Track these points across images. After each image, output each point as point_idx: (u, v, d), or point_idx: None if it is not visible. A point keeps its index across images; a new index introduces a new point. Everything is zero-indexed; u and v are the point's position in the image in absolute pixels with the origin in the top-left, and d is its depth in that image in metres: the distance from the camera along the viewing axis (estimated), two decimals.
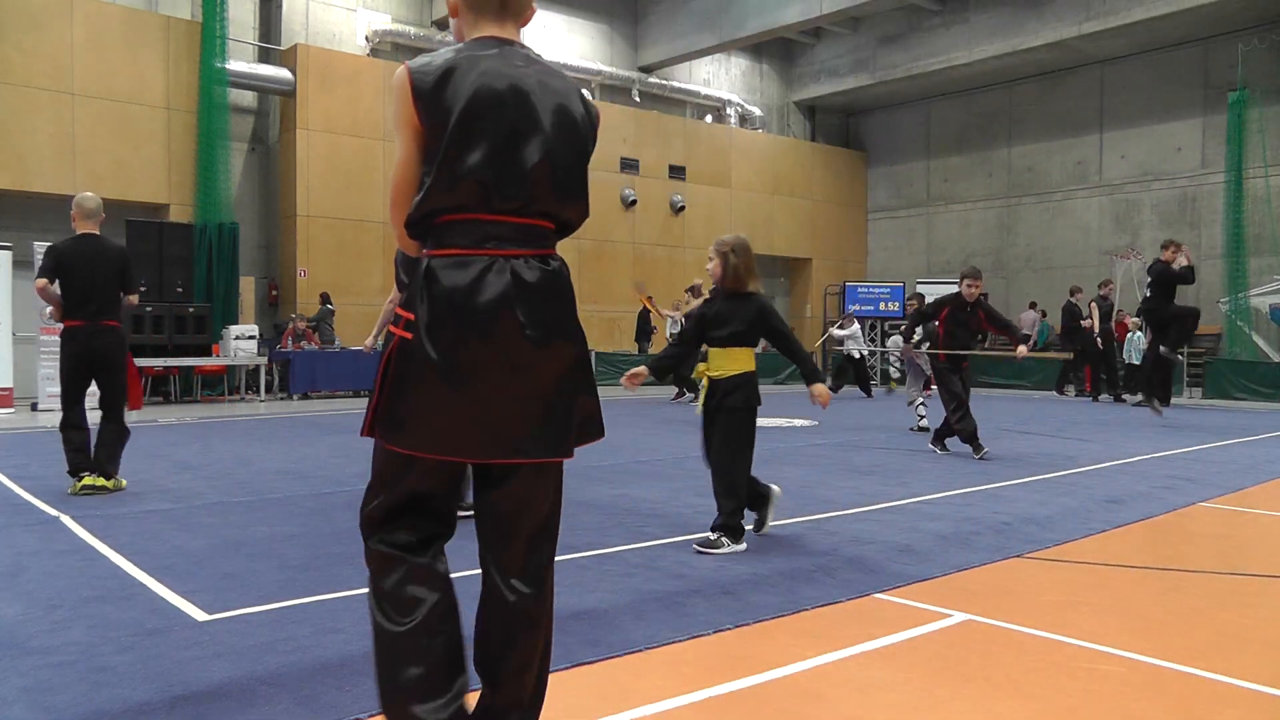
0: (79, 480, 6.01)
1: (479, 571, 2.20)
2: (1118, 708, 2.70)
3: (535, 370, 2.05)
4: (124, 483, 6.20)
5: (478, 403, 2.00)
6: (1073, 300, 16.65)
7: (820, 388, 4.76)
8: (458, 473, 2.14)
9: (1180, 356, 13.60)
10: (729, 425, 4.68)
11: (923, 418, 10.38)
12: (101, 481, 6.01)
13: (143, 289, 13.75)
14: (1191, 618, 3.61)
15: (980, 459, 7.98)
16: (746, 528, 4.75)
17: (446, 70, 2.01)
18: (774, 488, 4.97)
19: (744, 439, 4.71)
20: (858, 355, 16.90)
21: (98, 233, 6.15)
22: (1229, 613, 3.68)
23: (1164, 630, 3.44)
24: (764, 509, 4.93)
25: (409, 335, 2.02)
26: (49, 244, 6.37)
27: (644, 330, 18.91)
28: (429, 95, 2.00)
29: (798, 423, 11.34)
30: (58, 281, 6.08)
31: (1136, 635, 3.34)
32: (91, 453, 6.11)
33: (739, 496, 4.67)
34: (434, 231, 2.06)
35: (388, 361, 2.05)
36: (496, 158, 2.02)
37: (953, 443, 8.61)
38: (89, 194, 6.26)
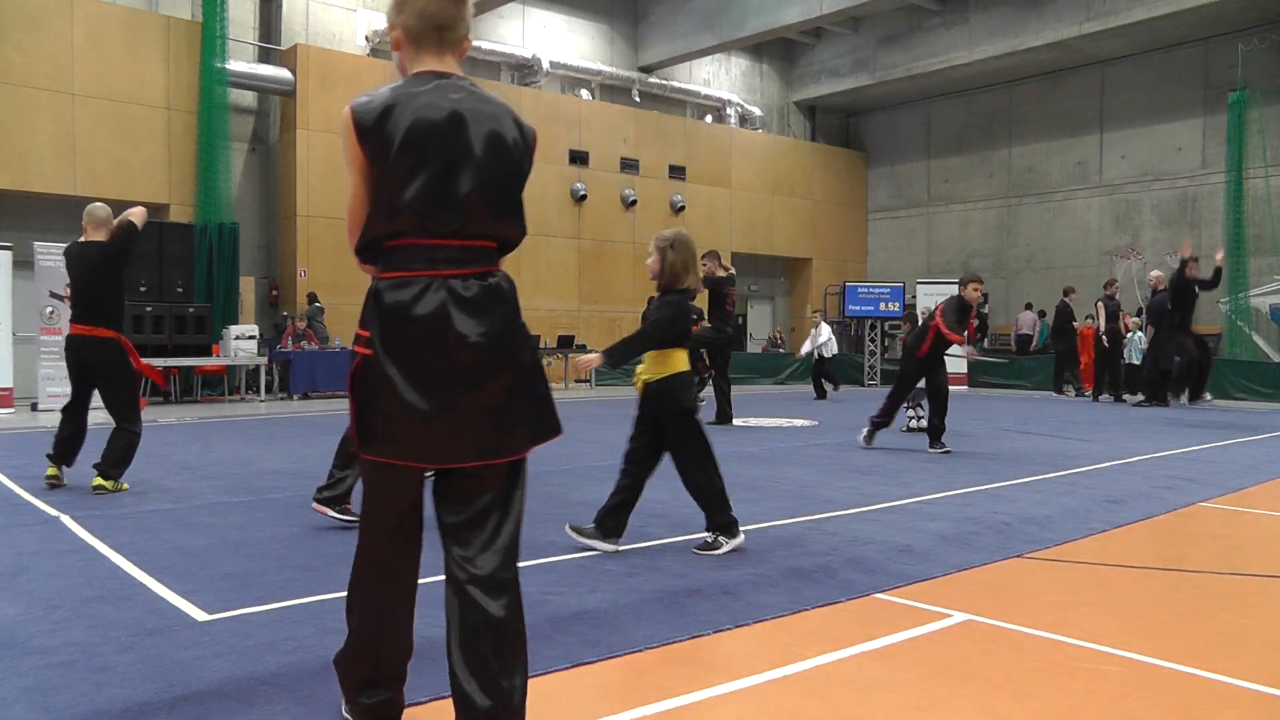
0: (49, 468, 6.28)
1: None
2: (1118, 708, 2.70)
3: (480, 379, 2.19)
4: (125, 485, 6.20)
5: (431, 411, 2.15)
6: (1066, 300, 16.68)
7: (585, 358, 4.57)
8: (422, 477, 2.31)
9: (1208, 396, 13.63)
10: (672, 438, 4.57)
11: (920, 418, 10.32)
12: (100, 481, 6.05)
13: (143, 289, 13.78)
14: (1192, 618, 3.61)
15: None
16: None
17: (386, 107, 2.18)
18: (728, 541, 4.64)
19: (694, 445, 4.57)
20: (828, 355, 16.49)
21: (104, 239, 6.15)
22: (1229, 613, 3.68)
23: (1164, 630, 3.44)
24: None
25: (369, 352, 2.21)
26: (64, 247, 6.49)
27: None
28: (371, 131, 2.17)
29: (798, 423, 11.34)
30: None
31: (1137, 635, 3.34)
32: (72, 451, 6.30)
33: (717, 495, 4.59)
34: (383, 255, 2.23)
35: (354, 378, 2.24)
36: (433, 187, 2.18)
37: (951, 441, 8.62)
38: (99, 204, 6.32)
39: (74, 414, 6.24)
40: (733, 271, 11.45)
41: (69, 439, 6.27)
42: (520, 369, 2.26)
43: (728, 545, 4.52)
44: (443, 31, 2.29)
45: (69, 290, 6.23)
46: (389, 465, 2.21)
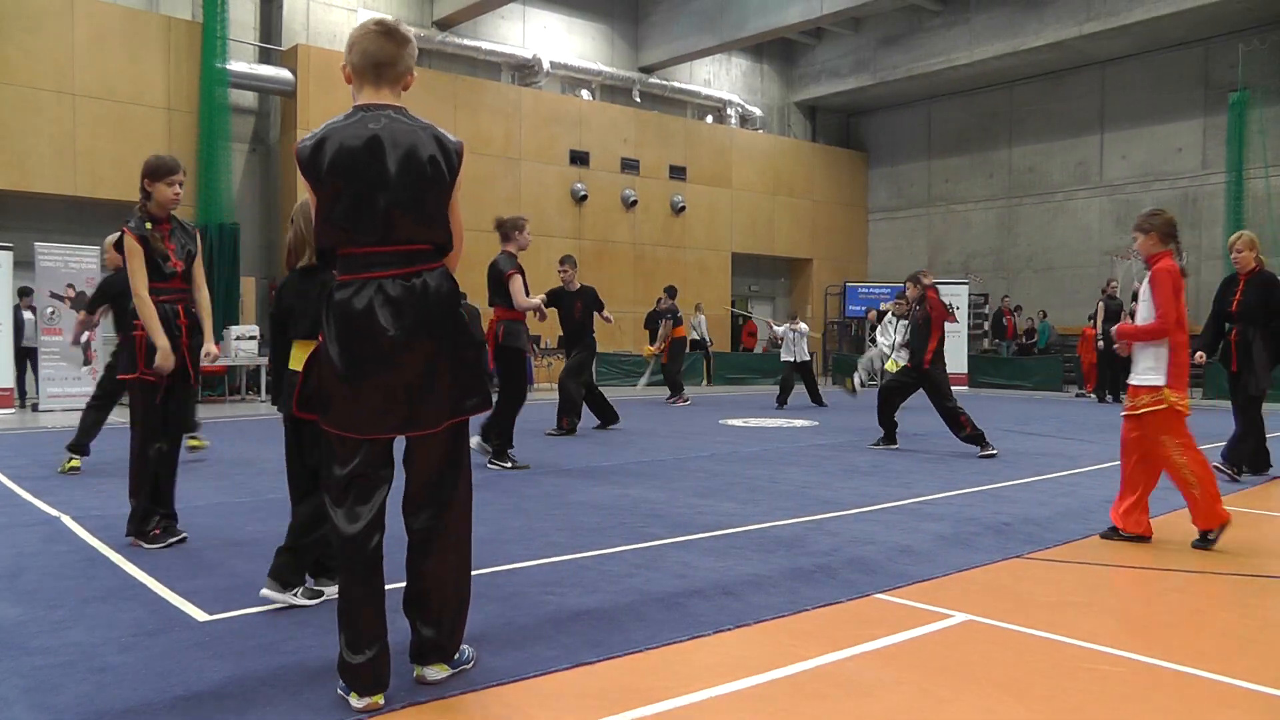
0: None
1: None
2: (1118, 708, 2.70)
3: (395, 362, 2.61)
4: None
5: (363, 390, 2.61)
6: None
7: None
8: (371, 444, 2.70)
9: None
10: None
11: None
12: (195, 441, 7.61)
13: None
14: (1192, 618, 3.60)
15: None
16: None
17: (319, 142, 2.63)
18: None
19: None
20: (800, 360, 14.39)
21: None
22: (1229, 613, 3.68)
23: (1164, 630, 3.44)
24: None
25: (321, 338, 2.72)
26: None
27: (655, 335, 18.81)
28: (307, 163, 2.63)
29: (798, 423, 11.33)
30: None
31: (1137, 635, 3.34)
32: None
33: (317, 528, 3.64)
34: (338, 261, 2.69)
35: (309, 358, 2.86)
36: (353, 204, 2.61)
37: (951, 441, 8.62)
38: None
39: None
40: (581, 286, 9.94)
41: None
42: (443, 353, 2.65)
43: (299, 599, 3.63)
44: (381, 68, 2.69)
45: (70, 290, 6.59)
46: (333, 433, 2.67)
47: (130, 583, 3.94)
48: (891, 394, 8.85)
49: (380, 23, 2.70)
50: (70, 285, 13.27)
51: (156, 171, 4.62)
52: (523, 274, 7.42)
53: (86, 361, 13.32)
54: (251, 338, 14.61)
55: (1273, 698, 2.80)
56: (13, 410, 12.66)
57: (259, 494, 6.18)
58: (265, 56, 16.98)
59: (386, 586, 2.73)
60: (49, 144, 14.38)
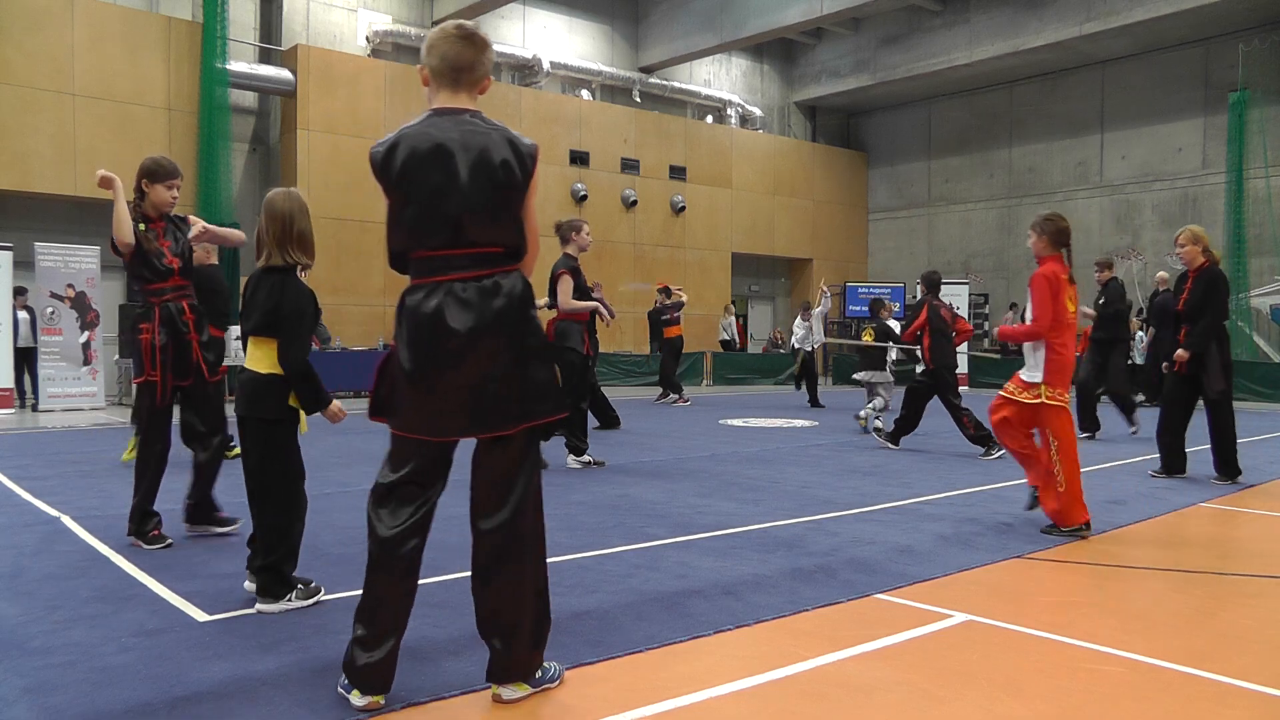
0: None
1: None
2: (1118, 708, 2.70)
3: (463, 362, 2.59)
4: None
5: (433, 392, 2.61)
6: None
7: None
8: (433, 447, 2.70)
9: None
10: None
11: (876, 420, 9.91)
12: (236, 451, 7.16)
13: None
14: (1192, 618, 3.60)
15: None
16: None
17: (392, 146, 2.64)
18: None
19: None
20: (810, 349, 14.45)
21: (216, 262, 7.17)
22: (1229, 613, 3.68)
23: (1164, 630, 3.44)
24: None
25: (394, 344, 2.71)
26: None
27: (657, 331, 18.83)
28: (380, 167, 2.65)
29: (798, 423, 11.32)
30: None
31: (1137, 635, 3.34)
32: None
33: (290, 537, 3.68)
34: (410, 265, 2.70)
35: (382, 362, 2.73)
36: (424, 209, 2.61)
37: (952, 441, 8.61)
38: None
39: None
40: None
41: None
42: (512, 355, 2.63)
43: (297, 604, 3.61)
44: (460, 72, 2.70)
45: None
46: (397, 435, 2.68)
47: (130, 583, 3.94)
48: (917, 395, 8.80)
49: (460, 27, 2.71)
50: (70, 285, 13.28)
51: (154, 174, 4.67)
52: (577, 275, 7.39)
53: (86, 361, 13.34)
54: None
55: (1272, 698, 2.80)
56: (12, 410, 12.67)
57: None
58: (265, 57, 16.98)
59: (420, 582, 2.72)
60: (49, 144, 14.39)
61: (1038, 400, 5.05)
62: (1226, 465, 6.91)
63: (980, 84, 22.23)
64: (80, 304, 13.37)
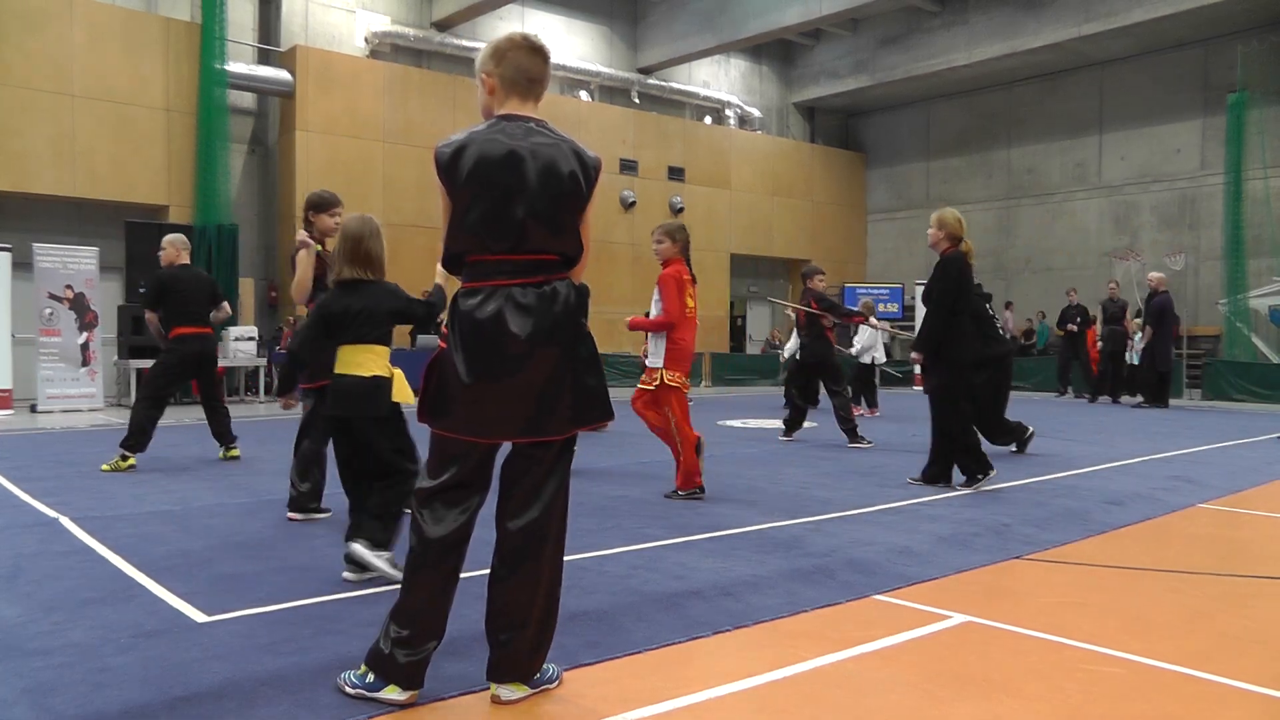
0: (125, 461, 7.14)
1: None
2: (1118, 709, 2.70)
3: (523, 365, 2.60)
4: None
5: (489, 395, 2.61)
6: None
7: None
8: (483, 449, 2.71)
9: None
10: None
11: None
12: (235, 452, 7.88)
13: (142, 290, 13.74)
14: (1191, 619, 3.61)
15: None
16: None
17: (460, 147, 2.64)
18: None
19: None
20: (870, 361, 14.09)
21: (189, 262, 7.68)
22: (1229, 614, 3.68)
23: (1164, 631, 3.44)
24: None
25: (444, 345, 2.72)
26: (155, 274, 7.64)
27: None
28: (447, 168, 2.64)
29: None
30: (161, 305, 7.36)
31: (1136, 636, 3.34)
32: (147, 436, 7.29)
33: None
34: (465, 268, 2.69)
35: (431, 363, 2.71)
36: (490, 213, 2.61)
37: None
38: (180, 235, 7.90)
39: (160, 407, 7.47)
40: None
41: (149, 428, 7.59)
42: (567, 361, 2.66)
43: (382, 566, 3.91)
44: (533, 83, 2.76)
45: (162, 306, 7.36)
46: (445, 437, 2.67)
47: (129, 583, 3.94)
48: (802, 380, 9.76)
49: (528, 39, 2.76)
50: (69, 286, 13.27)
51: (319, 206, 5.33)
52: None
53: (85, 362, 13.33)
54: (250, 339, 14.59)
55: (1272, 698, 2.80)
56: (12, 411, 12.65)
57: (258, 494, 6.18)
58: (264, 57, 16.97)
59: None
60: (48, 145, 14.38)
61: (657, 384, 5.95)
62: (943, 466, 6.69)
63: (979, 85, 22.24)
64: (79, 305, 13.36)
